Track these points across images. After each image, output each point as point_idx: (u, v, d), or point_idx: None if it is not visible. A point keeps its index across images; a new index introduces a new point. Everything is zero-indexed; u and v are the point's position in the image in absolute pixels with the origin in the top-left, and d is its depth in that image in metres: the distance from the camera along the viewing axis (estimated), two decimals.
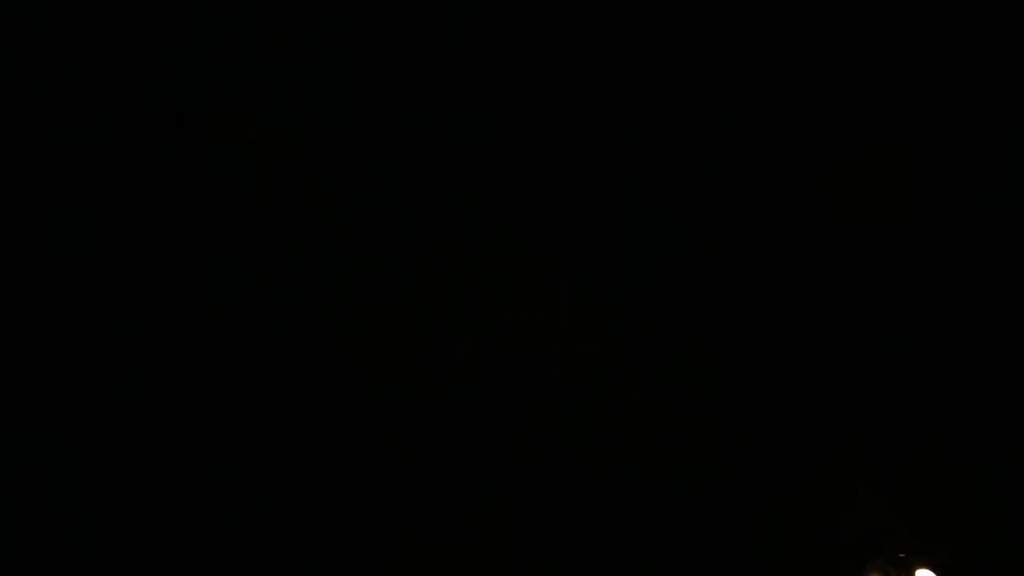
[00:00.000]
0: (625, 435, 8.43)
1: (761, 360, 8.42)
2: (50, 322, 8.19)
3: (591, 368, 8.42)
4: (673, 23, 8.18)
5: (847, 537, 7.74)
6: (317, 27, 8.14)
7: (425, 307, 8.40)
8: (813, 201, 8.22)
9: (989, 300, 8.30)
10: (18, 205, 8.09)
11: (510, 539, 8.41)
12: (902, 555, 6.59)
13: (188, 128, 8.08)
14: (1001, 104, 8.00)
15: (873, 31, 8.08)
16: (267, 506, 8.37)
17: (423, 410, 8.42)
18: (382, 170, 8.30)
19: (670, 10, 8.15)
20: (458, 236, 8.35)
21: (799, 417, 8.39)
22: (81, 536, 8.21)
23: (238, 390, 8.33)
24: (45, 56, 7.96)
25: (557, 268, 8.39)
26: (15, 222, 8.10)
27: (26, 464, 8.16)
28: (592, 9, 8.20)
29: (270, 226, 8.26)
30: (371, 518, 8.47)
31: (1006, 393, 8.24)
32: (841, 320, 8.40)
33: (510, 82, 8.30)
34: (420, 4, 8.15)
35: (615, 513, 8.36)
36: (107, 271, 8.21)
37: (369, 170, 8.29)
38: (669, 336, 8.40)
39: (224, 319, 8.30)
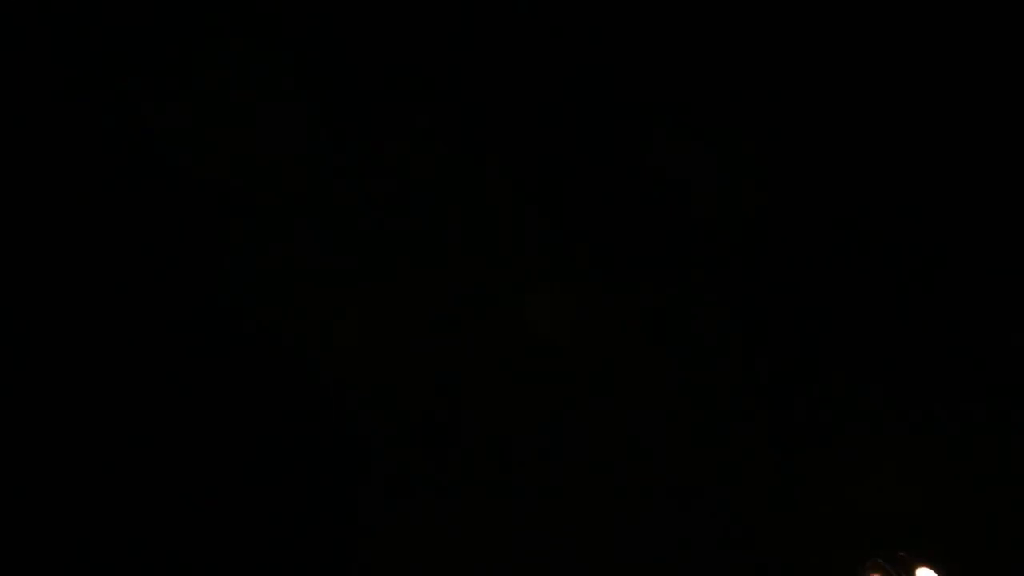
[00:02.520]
0: (627, 422, 8.44)
1: (771, 356, 8.42)
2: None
3: (590, 349, 8.42)
4: None
5: (847, 534, 7.72)
6: None
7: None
8: (824, 183, 8.22)
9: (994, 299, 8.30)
10: None
11: (510, 532, 8.42)
12: (902, 553, 6.57)
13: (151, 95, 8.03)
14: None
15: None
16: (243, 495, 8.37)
17: (409, 401, 8.44)
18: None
19: None
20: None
21: (801, 415, 8.40)
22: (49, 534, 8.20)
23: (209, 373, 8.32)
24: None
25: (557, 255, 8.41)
26: None
27: None
28: None
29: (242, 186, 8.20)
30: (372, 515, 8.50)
31: (1006, 392, 8.24)
32: (851, 318, 8.39)
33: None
34: None
35: (617, 503, 8.37)
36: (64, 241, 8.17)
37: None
38: (674, 323, 8.39)
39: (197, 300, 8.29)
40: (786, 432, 8.29)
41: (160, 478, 8.34)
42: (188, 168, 8.17)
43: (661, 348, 8.45)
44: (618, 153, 8.41)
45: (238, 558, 8.36)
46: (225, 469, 8.42)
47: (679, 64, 8.29)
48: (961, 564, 6.79)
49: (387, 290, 8.43)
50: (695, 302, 8.45)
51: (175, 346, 8.40)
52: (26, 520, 8.17)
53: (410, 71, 8.31)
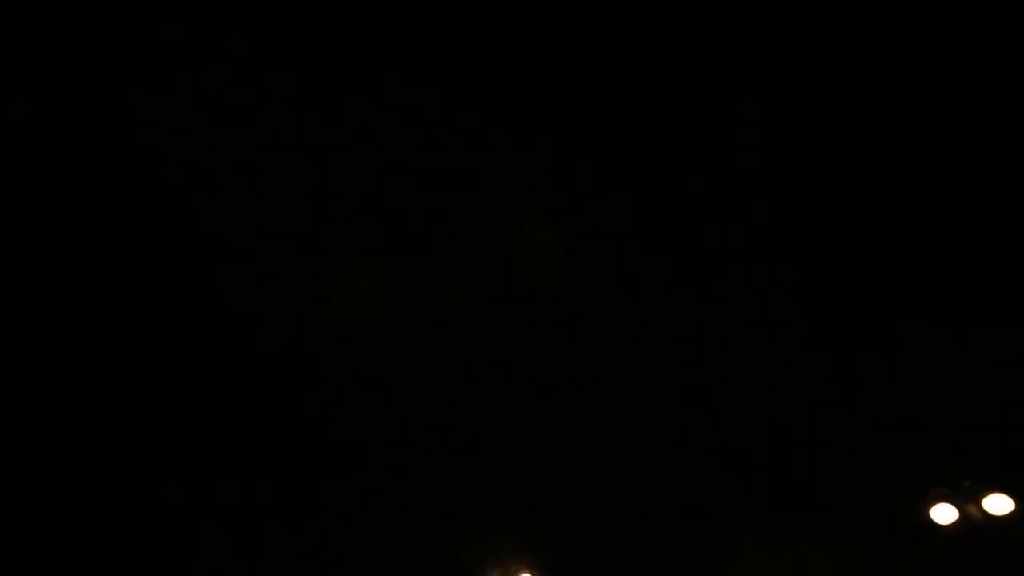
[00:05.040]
0: (627, 422, 8.45)
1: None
2: None
3: (590, 349, 8.42)
4: None
5: (910, 466, 7.59)
6: None
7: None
8: (824, 181, 8.29)
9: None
10: None
11: (510, 531, 8.36)
12: (968, 482, 6.27)
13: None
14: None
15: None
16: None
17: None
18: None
19: None
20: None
21: (802, 415, 8.46)
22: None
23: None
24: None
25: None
26: None
27: None
28: None
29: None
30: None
31: None
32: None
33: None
34: None
35: (617, 503, 8.36)
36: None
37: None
38: (674, 318, 8.41)
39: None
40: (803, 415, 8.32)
41: (159, 476, 8.21)
42: (187, 164, 8.12)
43: (661, 347, 8.48)
44: (618, 151, 8.46)
45: (239, 556, 8.23)
46: (226, 468, 8.32)
47: (679, 65, 8.38)
48: None
49: (387, 289, 8.40)
50: (696, 301, 8.51)
51: (174, 343, 8.31)
52: (19, 517, 7.98)
53: (408, 69, 8.33)
